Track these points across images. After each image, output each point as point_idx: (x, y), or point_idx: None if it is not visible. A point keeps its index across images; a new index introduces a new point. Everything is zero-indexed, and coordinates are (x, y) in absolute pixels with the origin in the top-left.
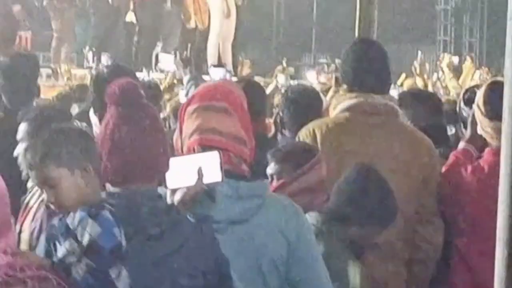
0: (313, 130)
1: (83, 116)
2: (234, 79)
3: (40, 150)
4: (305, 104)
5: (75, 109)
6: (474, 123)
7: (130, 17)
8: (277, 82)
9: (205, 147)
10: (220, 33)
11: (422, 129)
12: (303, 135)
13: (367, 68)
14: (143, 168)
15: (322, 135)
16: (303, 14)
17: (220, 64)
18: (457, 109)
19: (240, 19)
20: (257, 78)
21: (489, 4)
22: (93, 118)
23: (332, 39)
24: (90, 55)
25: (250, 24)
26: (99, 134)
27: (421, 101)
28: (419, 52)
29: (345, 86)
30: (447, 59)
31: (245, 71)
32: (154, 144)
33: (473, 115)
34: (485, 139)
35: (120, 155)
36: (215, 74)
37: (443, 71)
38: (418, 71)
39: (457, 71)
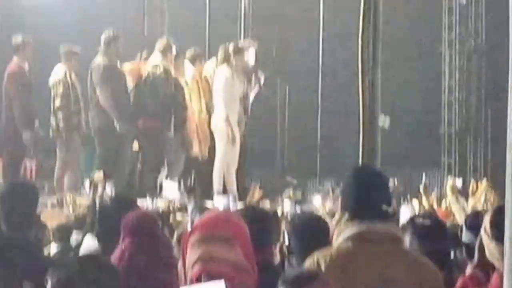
0: (317, 261)
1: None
2: (240, 204)
3: (63, 276)
4: (312, 232)
5: (74, 236)
6: (481, 248)
7: (134, 145)
8: (283, 209)
9: (208, 277)
10: (225, 160)
11: (426, 254)
12: (308, 265)
13: (368, 196)
14: None
15: (326, 265)
16: (307, 138)
17: (224, 191)
18: (459, 233)
19: (245, 145)
20: (263, 202)
21: (492, 125)
22: (89, 241)
23: (337, 163)
24: (87, 184)
25: (255, 149)
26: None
27: (425, 226)
28: (423, 175)
29: (346, 214)
30: (450, 182)
31: (256, 197)
32: (168, 274)
33: (481, 240)
34: (493, 264)
35: (136, 285)
36: (220, 203)
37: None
38: (423, 194)
39: (463, 193)
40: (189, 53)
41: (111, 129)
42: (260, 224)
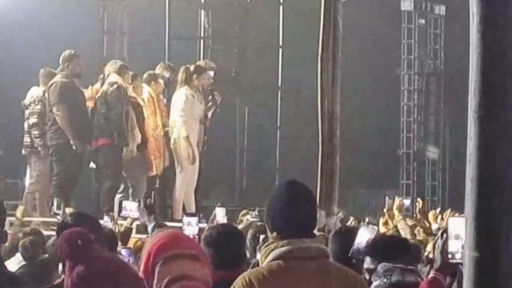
0: (249, 280)
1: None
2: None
3: None
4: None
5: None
6: (444, 251)
7: (92, 164)
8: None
9: None
10: (186, 180)
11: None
12: (240, 285)
13: (295, 213)
14: None
15: (259, 284)
16: (266, 159)
17: (192, 213)
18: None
19: (203, 165)
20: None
21: (450, 146)
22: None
23: None
24: (55, 202)
25: (213, 170)
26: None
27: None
28: (387, 198)
29: (274, 233)
30: (397, 201)
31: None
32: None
33: (443, 244)
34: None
35: None
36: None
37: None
38: (386, 215)
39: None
40: (145, 75)
41: (68, 148)
42: (231, 244)
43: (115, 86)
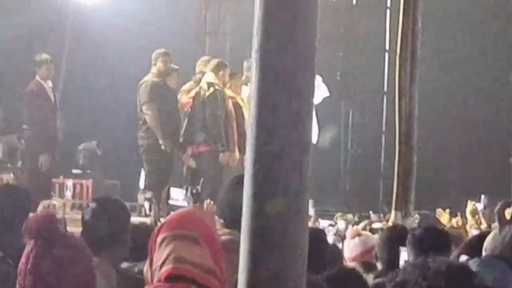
0: None
1: None
2: None
3: None
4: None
5: None
6: None
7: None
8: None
9: (174, 277)
10: None
11: None
12: None
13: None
14: None
15: None
16: (371, 162)
17: None
18: None
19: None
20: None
21: None
22: None
23: None
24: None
25: (316, 172)
26: (20, 269)
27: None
28: (482, 197)
29: (221, 221)
30: (470, 206)
31: None
32: (77, 273)
33: None
34: None
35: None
36: None
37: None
38: (469, 214)
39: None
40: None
41: (158, 148)
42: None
43: (212, 89)
